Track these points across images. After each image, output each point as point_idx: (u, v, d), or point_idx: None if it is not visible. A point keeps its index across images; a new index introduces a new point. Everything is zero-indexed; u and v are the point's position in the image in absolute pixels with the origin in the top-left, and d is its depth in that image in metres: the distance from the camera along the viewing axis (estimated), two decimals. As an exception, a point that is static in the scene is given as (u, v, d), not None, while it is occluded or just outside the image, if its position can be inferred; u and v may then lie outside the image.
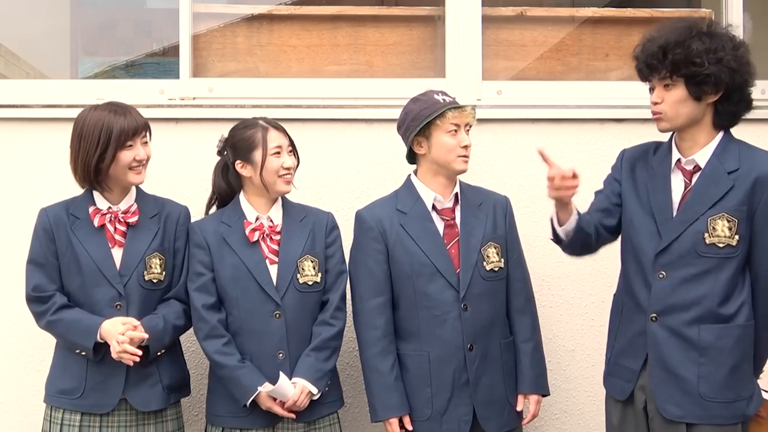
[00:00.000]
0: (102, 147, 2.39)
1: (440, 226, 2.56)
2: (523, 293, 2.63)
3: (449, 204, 2.58)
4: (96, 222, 2.46)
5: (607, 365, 2.47)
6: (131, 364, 2.35)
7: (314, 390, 2.44)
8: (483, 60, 3.06)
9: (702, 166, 2.30)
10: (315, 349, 2.48)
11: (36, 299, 2.46)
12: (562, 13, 3.36)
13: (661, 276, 2.28)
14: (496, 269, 2.55)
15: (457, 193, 2.59)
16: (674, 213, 2.30)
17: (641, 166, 2.42)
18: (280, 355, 2.47)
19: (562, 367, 2.99)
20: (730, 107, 2.28)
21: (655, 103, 2.31)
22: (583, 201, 2.99)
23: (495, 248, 2.56)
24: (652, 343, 2.29)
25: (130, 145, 2.43)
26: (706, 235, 2.24)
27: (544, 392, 2.61)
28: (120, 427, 2.45)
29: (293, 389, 2.42)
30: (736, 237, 2.24)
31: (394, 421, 2.47)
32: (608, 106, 3.05)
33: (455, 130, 2.51)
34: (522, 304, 2.62)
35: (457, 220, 2.57)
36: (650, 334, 2.29)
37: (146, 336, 2.38)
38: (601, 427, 2.53)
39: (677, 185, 2.33)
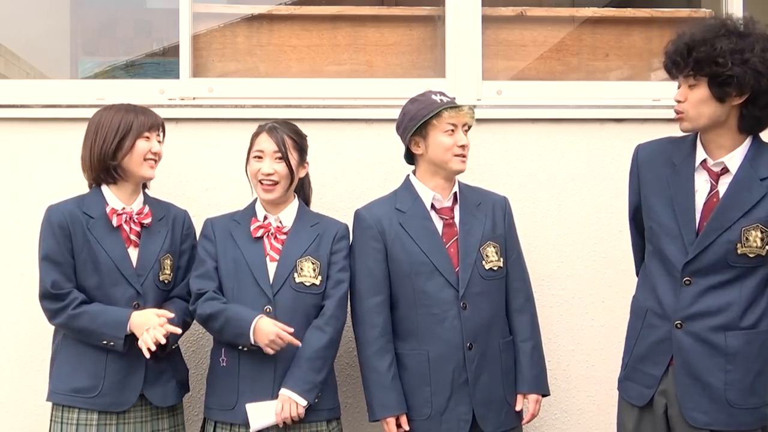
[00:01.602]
0: (122, 134, 2.47)
1: (439, 225, 2.56)
2: (523, 293, 2.63)
3: (448, 203, 2.58)
4: (114, 222, 2.48)
5: (624, 370, 2.42)
6: (148, 355, 2.35)
7: (302, 402, 2.41)
8: (483, 60, 3.06)
9: (732, 170, 2.25)
10: (308, 360, 2.45)
11: (54, 296, 2.43)
12: (562, 13, 3.35)
13: (687, 283, 2.26)
14: (495, 268, 2.55)
15: (456, 193, 2.60)
16: (697, 215, 2.26)
17: (661, 162, 2.37)
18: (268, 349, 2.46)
19: (562, 367, 2.99)
20: (756, 112, 2.21)
21: (678, 102, 2.27)
22: (582, 201, 3.01)
23: (494, 247, 2.56)
24: (677, 350, 2.26)
25: (147, 137, 2.50)
26: (739, 245, 2.21)
27: (544, 392, 2.60)
28: (137, 423, 2.47)
29: (268, 417, 2.41)
30: (767, 247, 2.21)
31: (391, 421, 2.47)
32: (608, 106, 3.05)
33: (452, 130, 2.52)
34: (521, 304, 2.62)
35: (456, 220, 2.57)
36: (675, 342, 2.26)
37: (179, 331, 2.43)
38: (601, 427, 2.53)
39: (701, 186, 2.29)
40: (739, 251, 2.21)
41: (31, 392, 2.81)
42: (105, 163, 2.47)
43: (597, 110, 3.04)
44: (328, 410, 2.53)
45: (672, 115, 2.95)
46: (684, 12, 3.32)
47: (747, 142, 2.26)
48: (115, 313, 2.41)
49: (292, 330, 2.41)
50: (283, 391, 2.42)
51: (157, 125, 2.55)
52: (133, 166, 2.49)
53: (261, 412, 2.42)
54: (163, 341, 2.34)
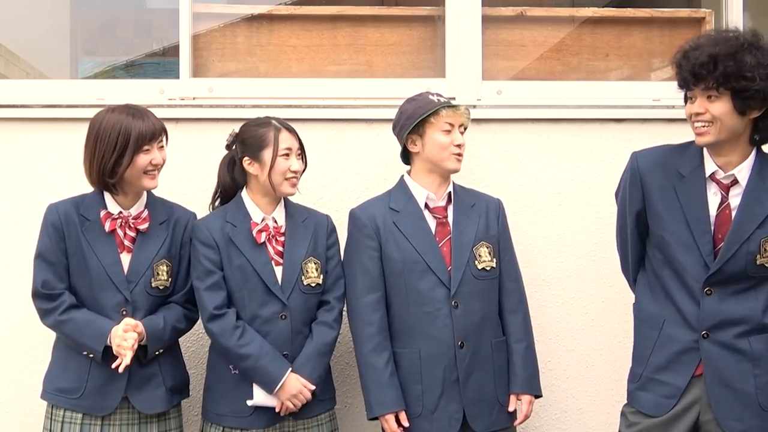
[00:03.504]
0: (119, 150, 2.38)
1: (432, 224, 2.57)
2: (516, 293, 2.63)
3: (442, 203, 2.59)
4: (107, 227, 2.46)
5: (637, 380, 2.39)
6: (121, 370, 2.32)
7: (312, 388, 2.47)
8: (483, 60, 3.06)
9: (741, 182, 2.27)
10: (319, 354, 2.50)
11: (44, 296, 2.43)
12: (562, 13, 3.35)
13: (708, 293, 2.27)
14: (488, 269, 2.56)
15: (450, 193, 2.61)
16: (711, 227, 2.28)
17: (666, 171, 2.36)
18: (285, 354, 2.48)
19: (562, 367, 2.99)
20: None
21: (698, 114, 2.25)
22: (582, 201, 3.01)
23: (487, 248, 2.57)
24: (706, 360, 2.27)
25: (147, 149, 2.42)
26: (758, 256, 2.25)
27: (537, 393, 2.60)
28: (122, 426, 2.45)
29: (270, 400, 2.45)
30: None
31: (390, 417, 2.47)
32: (608, 106, 3.05)
33: (449, 129, 2.54)
34: (515, 304, 2.62)
35: (450, 219, 2.58)
36: (704, 352, 2.27)
37: (143, 335, 2.39)
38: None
39: (712, 198, 2.30)
40: (758, 262, 2.25)
41: (31, 392, 2.80)
42: (104, 179, 2.42)
43: (597, 110, 3.04)
44: (329, 399, 2.61)
45: (672, 115, 2.98)
46: (684, 12, 3.32)
47: (753, 155, 2.29)
48: (97, 326, 2.38)
49: (313, 388, 2.46)
50: (301, 378, 2.45)
51: (157, 133, 2.43)
52: (132, 179, 2.44)
53: (266, 394, 2.46)
54: (124, 354, 2.31)
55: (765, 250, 2.25)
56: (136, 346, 2.35)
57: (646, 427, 2.34)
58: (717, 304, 2.27)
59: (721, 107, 2.21)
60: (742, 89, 2.16)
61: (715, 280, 2.27)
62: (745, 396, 2.25)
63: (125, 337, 2.34)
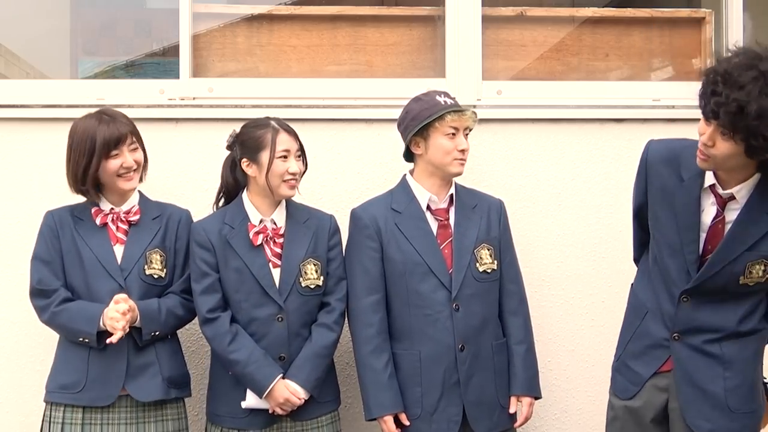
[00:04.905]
0: (88, 157, 2.46)
1: (434, 226, 2.56)
2: (517, 295, 2.63)
3: (444, 205, 2.58)
4: (98, 221, 2.51)
5: (616, 361, 2.44)
6: (114, 339, 2.33)
7: (305, 396, 2.46)
8: (483, 60, 3.06)
9: (739, 200, 2.22)
10: (316, 356, 2.49)
11: (40, 293, 2.48)
12: (562, 13, 3.35)
13: (684, 299, 2.27)
14: (489, 271, 2.55)
15: (452, 194, 2.60)
16: (702, 235, 2.25)
17: (670, 171, 2.32)
18: (282, 357, 2.48)
19: (562, 367, 2.99)
20: None
21: (705, 145, 2.12)
22: (582, 201, 3.01)
23: (488, 250, 2.56)
24: (676, 360, 2.28)
25: (116, 154, 2.47)
26: (741, 277, 2.23)
27: (537, 395, 2.60)
28: (120, 425, 2.46)
29: (263, 402, 2.45)
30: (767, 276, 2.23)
31: (389, 419, 2.47)
32: (608, 106, 3.05)
33: (453, 134, 2.52)
34: (515, 306, 2.62)
35: (451, 221, 2.57)
36: (674, 352, 2.28)
37: (136, 311, 2.40)
38: (602, 427, 2.52)
39: (708, 207, 2.26)
40: (740, 282, 2.23)
41: (31, 392, 2.81)
42: (79, 184, 2.49)
43: (597, 110, 3.04)
44: (331, 401, 2.59)
45: (672, 115, 2.98)
46: (684, 12, 3.32)
47: (757, 176, 2.22)
48: (90, 310, 2.41)
49: (302, 395, 2.45)
50: (290, 384, 2.44)
51: (122, 138, 2.47)
52: (108, 183, 2.51)
53: (258, 397, 2.46)
54: (116, 327, 2.33)
55: (750, 272, 2.22)
56: (129, 318, 2.36)
57: (619, 408, 2.38)
58: (691, 312, 2.26)
59: (730, 148, 2.08)
60: (760, 147, 2.04)
61: (694, 292, 2.26)
62: (714, 398, 2.24)
63: (116, 308, 2.36)
